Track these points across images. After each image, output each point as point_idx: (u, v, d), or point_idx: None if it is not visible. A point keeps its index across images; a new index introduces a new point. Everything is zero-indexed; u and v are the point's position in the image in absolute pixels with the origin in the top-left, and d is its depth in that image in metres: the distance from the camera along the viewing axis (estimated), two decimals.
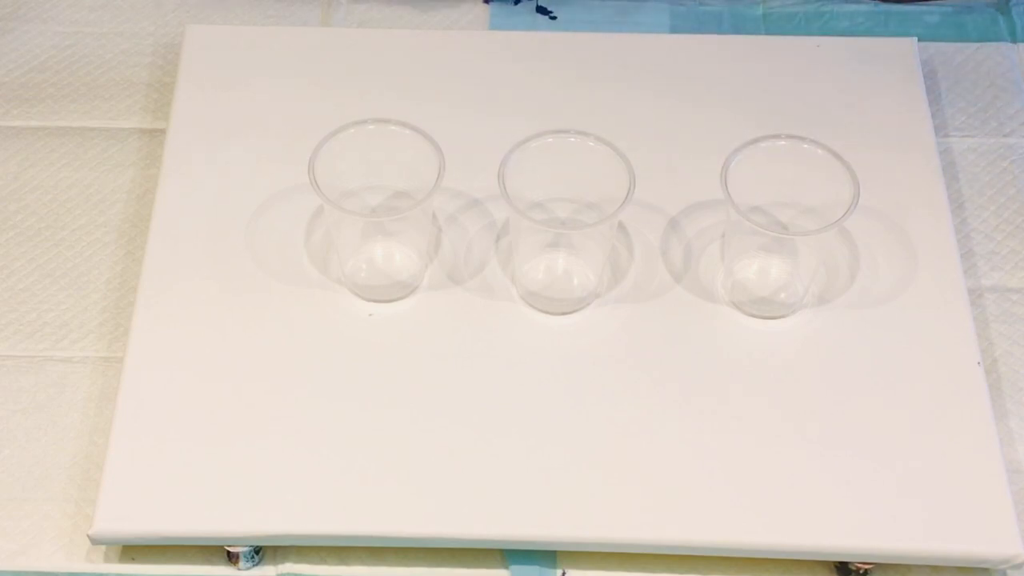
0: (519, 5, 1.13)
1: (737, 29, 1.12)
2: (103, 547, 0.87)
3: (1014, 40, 1.12)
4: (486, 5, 1.13)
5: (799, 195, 0.94)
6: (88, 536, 0.85)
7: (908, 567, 0.87)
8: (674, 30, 1.12)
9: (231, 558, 0.87)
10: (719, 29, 1.13)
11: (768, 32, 1.13)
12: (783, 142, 0.92)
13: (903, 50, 1.07)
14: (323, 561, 0.87)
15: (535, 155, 0.91)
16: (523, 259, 0.93)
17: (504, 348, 0.91)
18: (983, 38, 1.12)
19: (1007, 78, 1.09)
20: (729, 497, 0.86)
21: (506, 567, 0.87)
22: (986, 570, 0.87)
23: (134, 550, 0.87)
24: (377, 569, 0.87)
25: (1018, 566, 0.85)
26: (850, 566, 0.86)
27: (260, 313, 0.92)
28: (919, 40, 1.08)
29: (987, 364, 0.94)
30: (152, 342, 0.91)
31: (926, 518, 0.85)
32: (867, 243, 0.96)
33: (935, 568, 0.87)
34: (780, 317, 0.93)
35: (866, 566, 0.86)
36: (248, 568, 0.87)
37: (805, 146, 0.92)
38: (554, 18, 1.12)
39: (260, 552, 0.87)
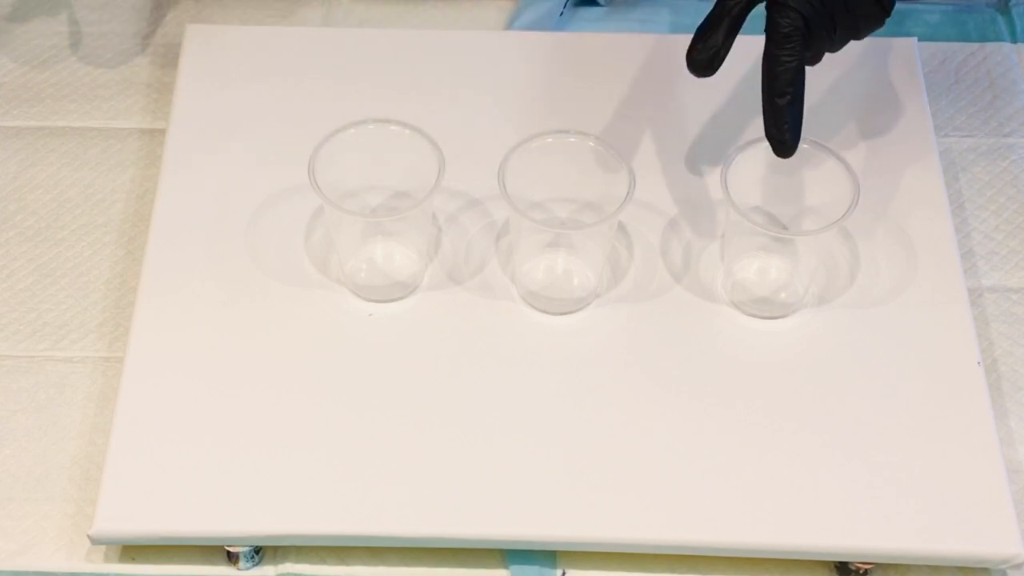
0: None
1: None
2: (103, 547, 0.87)
3: (1014, 40, 1.12)
4: (486, 5, 1.13)
5: (799, 195, 0.94)
6: (88, 536, 0.85)
7: (908, 567, 0.87)
8: (674, 30, 1.12)
9: (231, 558, 0.87)
10: None
11: None
12: None
13: (903, 50, 1.07)
14: (323, 561, 0.87)
15: (535, 155, 0.91)
16: (523, 259, 0.93)
17: (504, 348, 0.91)
18: (983, 38, 1.12)
19: (1007, 78, 1.09)
20: (729, 497, 0.85)
21: (506, 567, 0.87)
22: (986, 570, 0.87)
23: (134, 550, 0.87)
24: (377, 569, 0.87)
25: (1018, 566, 0.85)
26: (850, 566, 0.86)
27: (260, 313, 0.92)
28: (919, 40, 1.08)
29: (987, 364, 0.94)
30: (152, 342, 0.91)
31: (926, 518, 0.85)
32: (867, 243, 0.96)
33: (935, 568, 0.87)
34: (780, 317, 0.93)
35: (866, 566, 0.86)
36: (248, 568, 0.87)
37: (805, 146, 0.92)
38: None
39: (260, 552, 0.87)
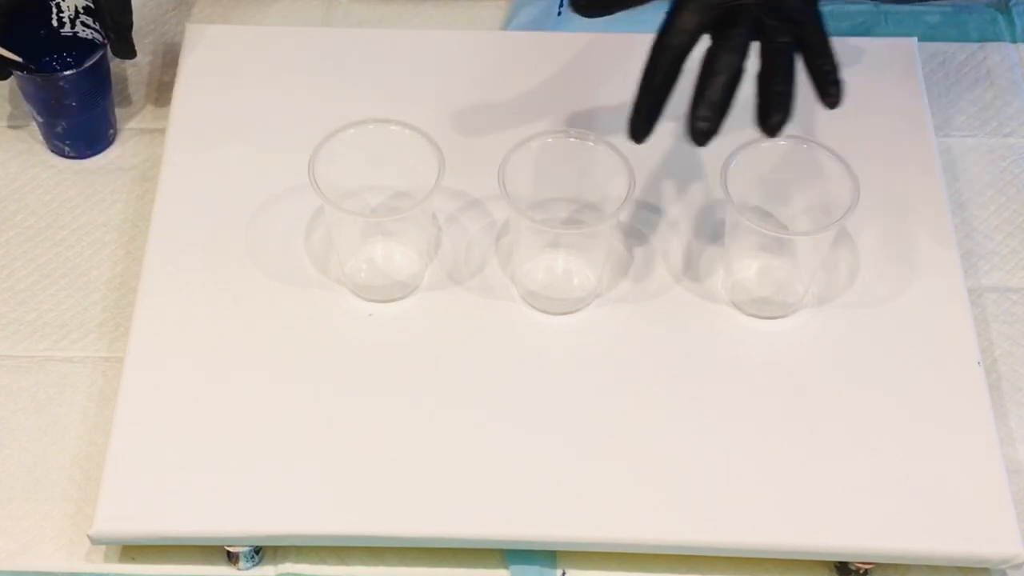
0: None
1: None
2: (103, 547, 0.87)
3: (1014, 40, 1.12)
4: (486, 5, 1.13)
5: (799, 195, 0.94)
6: (88, 536, 0.85)
7: (908, 567, 0.87)
8: None
9: (231, 558, 0.87)
10: None
11: None
12: (783, 142, 0.92)
13: (903, 50, 1.07)
14: (323, 561, 0.87)
15: (535, 155, 0.91)
16: (523, 259, 0.93)
17: (504, 348, 0.91)
18: (983, 38, 1.12)
19: (1007, 78, 1.09)
20: (729, 497, 0.85)
21: (506, 567, 0.87)
22: (986, 570, 0.87)
23: (134, 550, 0.87)
24: (377, 569, 0.87)
25: (1018, 566, 0.85)
26: (850, 566, 0.86)
27: (260, 313, 0.92)
28: (919, 40, 1.08)
29: (987, 364, 0.94)
30: (152, 342, 0.91)
31: (926, 518, 0.85)
32: (867, 243, 0.96)
33: (935, 568, 0.87)
34: (780, 317, 0.93)
35: (866, 566, 0.86)
36: (248, 568, 0.87)
37: (805, 146, 0.92)
38: None
39: (260, 552, 0.87)
